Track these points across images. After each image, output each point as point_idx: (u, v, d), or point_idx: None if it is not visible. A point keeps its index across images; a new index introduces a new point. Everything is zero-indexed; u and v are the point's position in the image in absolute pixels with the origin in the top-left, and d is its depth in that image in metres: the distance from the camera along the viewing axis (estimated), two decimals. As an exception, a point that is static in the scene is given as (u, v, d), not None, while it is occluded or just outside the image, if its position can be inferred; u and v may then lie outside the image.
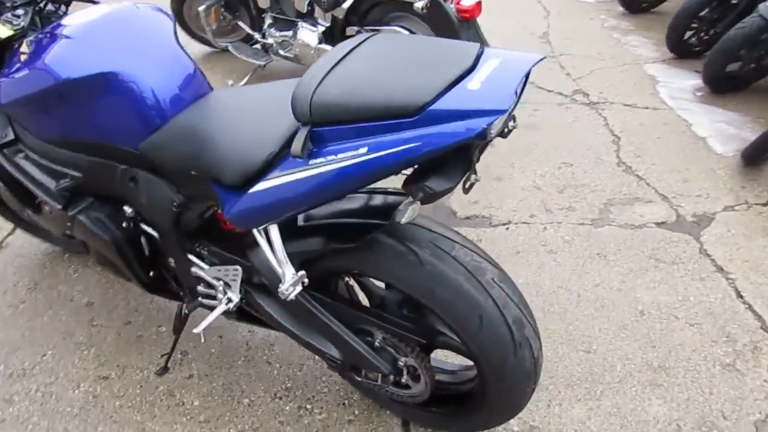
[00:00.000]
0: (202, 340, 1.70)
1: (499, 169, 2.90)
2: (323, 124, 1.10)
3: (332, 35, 3.46)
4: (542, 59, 1.08)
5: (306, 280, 1.34)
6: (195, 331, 1.55)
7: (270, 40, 3.69)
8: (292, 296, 1.31)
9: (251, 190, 1.21)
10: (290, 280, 1.29)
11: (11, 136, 1.67)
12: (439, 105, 1.01)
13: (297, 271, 1.31)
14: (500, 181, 2.81)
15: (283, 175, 1.16)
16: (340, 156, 1.08)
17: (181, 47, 1.56)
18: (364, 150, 1.06)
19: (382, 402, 1.72)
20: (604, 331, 1.98)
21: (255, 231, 1.33)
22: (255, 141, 1.25)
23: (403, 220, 1.15)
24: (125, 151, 1.48)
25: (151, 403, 1.80)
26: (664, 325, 1.99)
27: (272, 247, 1.31)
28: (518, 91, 1.06)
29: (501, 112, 0.98)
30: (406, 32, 3.12)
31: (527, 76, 1.09)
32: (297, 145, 1.09)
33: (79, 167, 1.58)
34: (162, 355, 1.84)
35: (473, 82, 1.03)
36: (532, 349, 1.35)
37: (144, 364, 1.92)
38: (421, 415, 1.66)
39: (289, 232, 1.39)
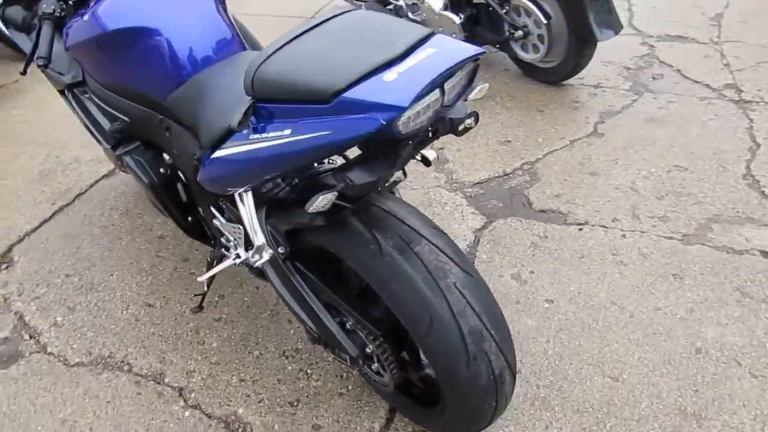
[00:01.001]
0: (205, 288, 1.80)
1: (599, 164, 2.64)
2: (265, 101, 1.09)
3: (459, 3, 3.35)
4: (480, 53, 0.96)
5: (280, 251, 1.36)
6: (198, 279, 1.65)
7: (401, 2, 3.66)
8: (259, 263, 1.34)
9: (211, 156, 1.25)
10: (256, 248, 1.32)
11: (80, 78, 1.87)
12: (349, 94, 0.96)
13: (283, 241, 1.34)
14: (594, 177, 2.56)
15: (229, 147, 1.18)
16: (270, 135, 1.07)
17: (223, 9, 1.63)
18: (288, 131, 1.04)
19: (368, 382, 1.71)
20: (643, 361, 1.76)
21: (236, 195, 1.37)
22: (228, 108, 1.27)
23: (311, 209, 1.11)
24: (158, 102, 1.59)
25: (178, 336, 1.96)
26: (720, 370, 1.71)
27: (249, 213, 1.34)
28: (450, 88, 0.96)
29: (398, 109, 0.89)
30: (531, 4, 2.93)
31: (475, 70, 0.98)
32: (235, 118, 1.09)
33: (127, 113, 1.73)
34: (196, 295, 1.99)
35: (391, 73, 0.95)
36: (492, 366, 1.25)
37: (185, 300, 2.09)
38: (401, 403, 1.62)
39: (278, 203, 1.42)
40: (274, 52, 1.09)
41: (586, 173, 2.59)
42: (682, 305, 1.93)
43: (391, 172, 1.11)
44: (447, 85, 1.00)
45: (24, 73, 1.78)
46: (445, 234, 1.31)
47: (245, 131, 1.13)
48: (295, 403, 1.72)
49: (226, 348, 1.91)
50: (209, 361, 1.87)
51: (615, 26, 2.80)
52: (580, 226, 2.29)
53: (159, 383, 1.81)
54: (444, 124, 1.14)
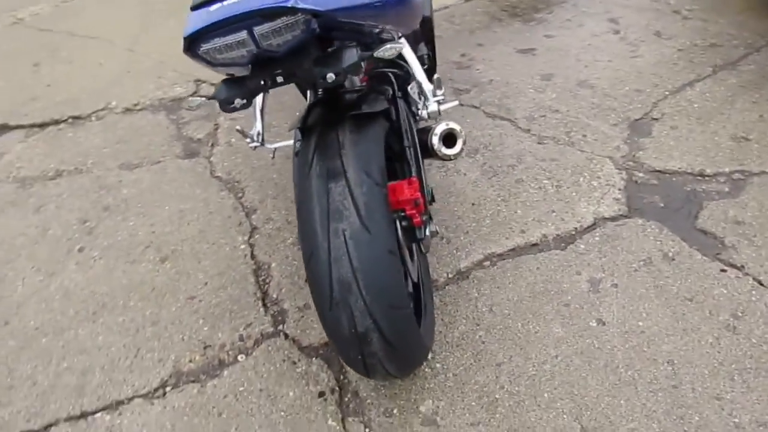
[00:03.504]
0: (271, 157, 2.01)
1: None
2: None
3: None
4: (282, 8, 0.91)
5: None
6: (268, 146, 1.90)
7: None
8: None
9: None
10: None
11: None
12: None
13: None
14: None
15: None
16: None
17: None
18: None
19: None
20: (647, 416, 1.45)
21: None
22: None
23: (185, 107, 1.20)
24: None
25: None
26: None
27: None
28: (263, 33, 0.95)
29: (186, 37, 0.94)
30: None
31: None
32: None
33: None
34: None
35: (217, 6, 0.98)
36: (355, 321, 1.25)
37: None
38: None
39: None
40: None
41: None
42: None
43: (236, 99, 1.13)
44: (258, 29, 0.97)
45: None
46: (378, 186, 1.26)
47: None
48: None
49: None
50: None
51: None
52: (726, 268, 1.80)
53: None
54: (301, 72, 1.10)
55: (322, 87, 1.13)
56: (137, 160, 2.48)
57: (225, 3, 1.00)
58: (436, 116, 1.47)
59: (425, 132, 1.64)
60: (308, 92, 1.77)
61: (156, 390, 1.62)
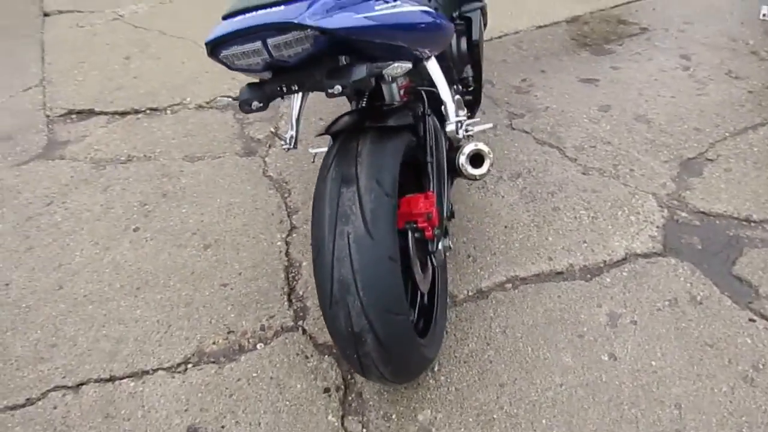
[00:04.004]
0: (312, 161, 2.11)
1: None
2: None
3: None
4: (300, 25, 1.00)
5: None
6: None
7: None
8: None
9: None
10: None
11: None
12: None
13: None
14: None
15: None
16: None
17: None
18: None
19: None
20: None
21: None
22: None
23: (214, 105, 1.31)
24: None
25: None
26: None
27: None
28: (277, 44, 1.05)
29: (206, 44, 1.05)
30: None
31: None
32: None
33: None
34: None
35: (240, 17, 1.08)
36: (351, 321, 1.32)
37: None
38: None
39: None
40: None
41: None
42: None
43: (254, 102, 1.22)
44: (271, 41, 1.06)
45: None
46: (387, 196, 1.33)
47: None
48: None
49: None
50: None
51: None
52: (756, 318, 1.75)
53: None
54: (313, 82, 1.18)
55: (331, 97, 1.21)
56: (200, 153, 2.66)
57: (248, 15, 1.10)
58: (454, 136, 1.52)
59: (456, 150, 1.69)
60: (352, 102, 1.86)
61: (179, 365, 1.75)
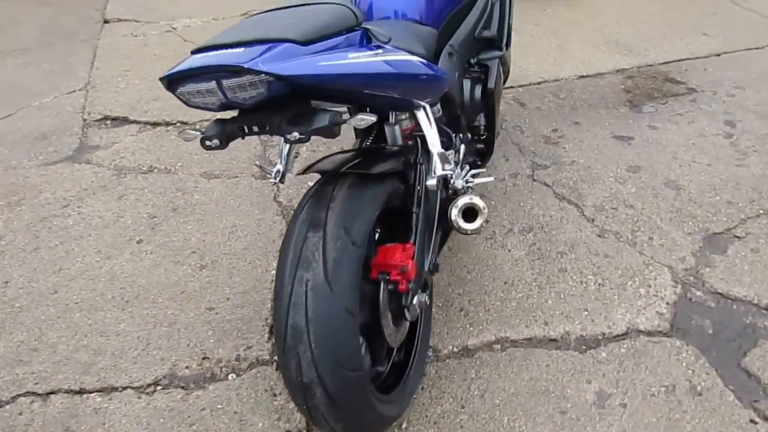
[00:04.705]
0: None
1: None
2: None
3: None
4: (253, 70, 0.97)
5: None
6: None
7: None
8: None
9: None
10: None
11: None
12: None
13: None
14: None
15: None
16: None
17: None
18: None
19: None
20: None
21: None
22: None
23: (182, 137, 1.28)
24: None
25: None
26: None
27: None
28: (231, 86, 1.02)
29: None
30: None
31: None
32: None
33: None
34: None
35: (205, 54, 1.06)
36: (301, 371, 1.27)
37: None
38: None
39: None
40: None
41: None
42: None
43: (214, 139, 1.19)
44: (226, 82, 1.03)
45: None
46: (354, 246, 1.28)
47: None
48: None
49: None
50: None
51: None
52: (759, 420, 1.60)
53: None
54: (272, 126, 1.14)
55: (290, 143, 1.17)
56: (218, 171, 2.68)
57: (210, 53, 1.08)
58: (434, 189, 1.47)
59: (450, 201, 1.63)
60: (357, 139, 1.83)
61: (148, 386, 1.73)
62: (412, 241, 1.47)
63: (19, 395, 1.72)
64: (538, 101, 3.13)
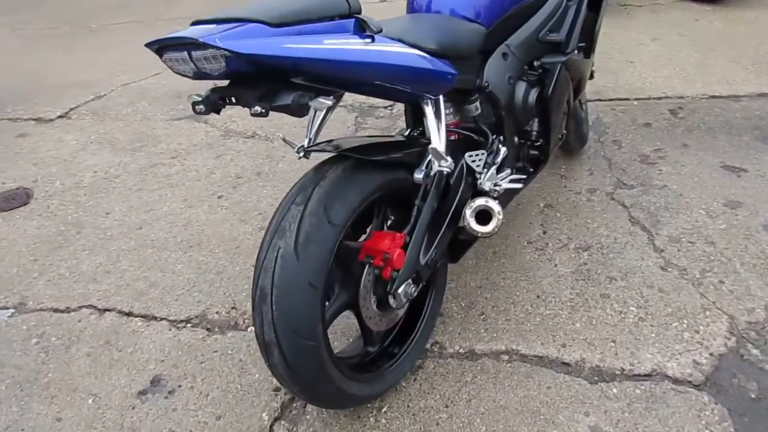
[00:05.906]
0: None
1: None
2: None
3: None
4: (218, 47, 1.06)
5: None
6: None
7: None
8: None
9: None
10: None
11: None
12: None
13: None
14: None
15: None
16: None
17: None
18: None
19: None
20: None
21: None
22: None
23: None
24: None
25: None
26: None
27: None
28: (198, 57, 1.12)
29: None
30: None
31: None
32: None
33: None
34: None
35: (195, 27, 1.17)
36: (263, 329, 1.36)
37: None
38: None
39: None
40: None
41: None
42: None
43: (200, 105, 1.28)
44: (194, 54, 1.12)
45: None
46: (330, 224, 1.34)
47: None
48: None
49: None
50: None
51: None
52: None
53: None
54: (242, 99, 1.21)
55: (253, 115, 1.25)
56: (309, 145, 2.85)
57: (192, 27, 1.20)
58: (421, 183, 1.47)
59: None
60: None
61: (180, 322, 1.95)
62: (406, 231, 1.49)
63: (83, 306, 2.02)
64: (651, 117, 2.91)
